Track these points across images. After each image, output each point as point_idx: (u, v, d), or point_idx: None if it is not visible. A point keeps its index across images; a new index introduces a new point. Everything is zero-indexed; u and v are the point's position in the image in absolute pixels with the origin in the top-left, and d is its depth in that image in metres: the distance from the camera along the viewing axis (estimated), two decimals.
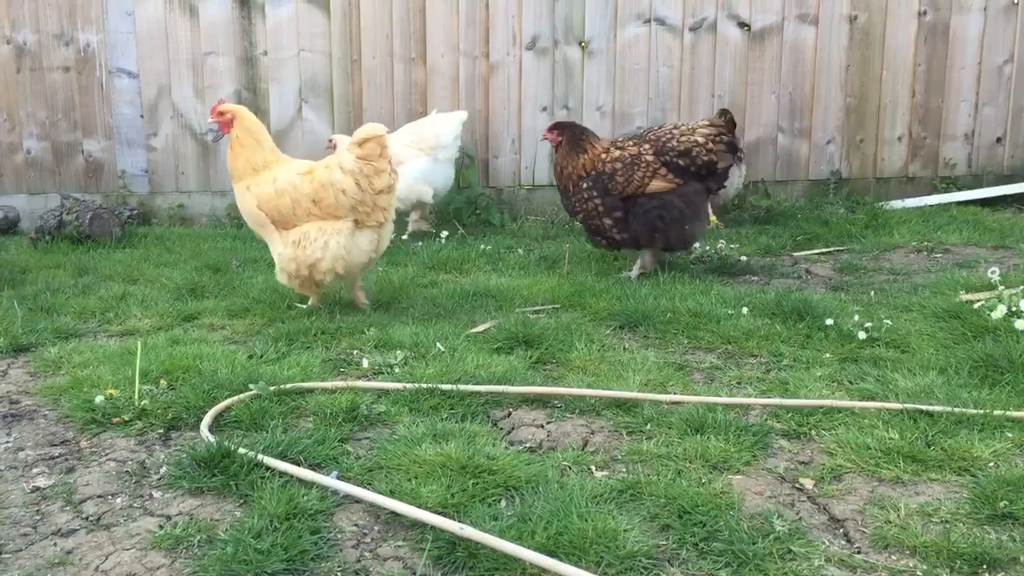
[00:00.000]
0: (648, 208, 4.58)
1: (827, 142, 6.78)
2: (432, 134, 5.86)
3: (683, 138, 4.61)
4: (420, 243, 5.69)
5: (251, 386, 3.01)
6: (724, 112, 6.16)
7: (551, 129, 4.85)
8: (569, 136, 4.76)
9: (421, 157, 5.83)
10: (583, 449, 2.68)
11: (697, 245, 4.91)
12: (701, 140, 4.60)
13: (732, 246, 5.23)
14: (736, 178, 6.16)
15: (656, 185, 4.59)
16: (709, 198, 4.88)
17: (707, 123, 4.70)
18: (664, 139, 4.64)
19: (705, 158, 4.60)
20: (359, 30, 6.44)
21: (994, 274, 4.03)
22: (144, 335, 3.76)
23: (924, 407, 2.79)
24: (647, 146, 4.64)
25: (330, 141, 5.81)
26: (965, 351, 3.29)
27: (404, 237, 5.88)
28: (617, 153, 4.65)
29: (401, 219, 6.15)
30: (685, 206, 4.60)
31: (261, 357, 3.46)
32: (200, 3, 6.35)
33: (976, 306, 3.75)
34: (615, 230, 4.65)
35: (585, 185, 4.65)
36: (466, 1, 6.46)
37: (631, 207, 4.61)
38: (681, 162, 4.59)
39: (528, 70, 6.56)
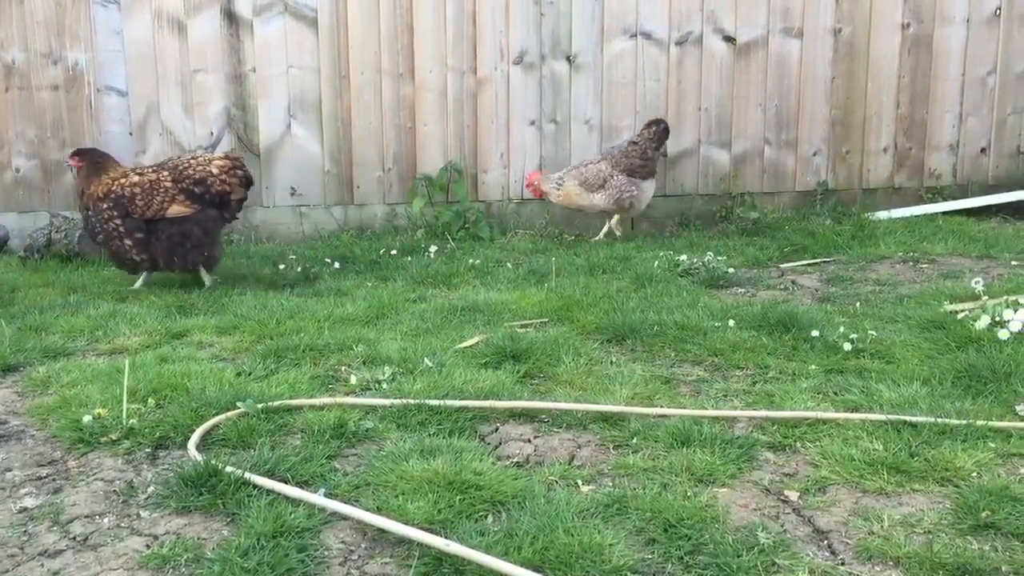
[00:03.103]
0: (170, 232, 4.91)
1: (813, 154, 6.83)
2: None
3: (199, 168, 4.97)
4: None
5: (239, 404, 3.01)
6: (659, 121, 6.19)
7: (72, 156, 5.12)
8: (89, 161, 5.07)
9: None
10: (570, 464, 2.69)
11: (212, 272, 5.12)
12: (215, 171, 4.98)
13: (719, 258, 5.26)
14: (648, 192, 6.24)
15: (175, 210, 4.92)
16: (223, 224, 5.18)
17: (223, 156, 5.13)
18: (182, 168, 4.98)
19: (219, 188, 4.98)
20: (347, 47, 6.46)
21: (978, 284, 4.06)
22: (132, 353, 3.76)
23: (908, 418, 2.82)
24: (166, 173, 4.97)
25: None
26: (949, 361, 3.32)
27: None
28: (136, 178, 4.96)
29: None
30: (203, 232, 4.96)
31: (249, 374, 3.46)
32: (189, 21, 6.37)
33: (960, 316, 3.78)
34: (135, 251, 4.93)
35: (105, 206, 4.93)
36: (454, 17, 6.50)
37: (152, 230, 4.91)
38: (197, 190, 4.94)
39: (516, 85, 6.60)
